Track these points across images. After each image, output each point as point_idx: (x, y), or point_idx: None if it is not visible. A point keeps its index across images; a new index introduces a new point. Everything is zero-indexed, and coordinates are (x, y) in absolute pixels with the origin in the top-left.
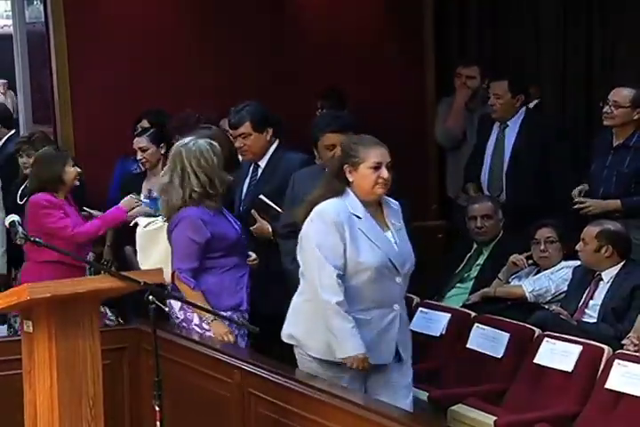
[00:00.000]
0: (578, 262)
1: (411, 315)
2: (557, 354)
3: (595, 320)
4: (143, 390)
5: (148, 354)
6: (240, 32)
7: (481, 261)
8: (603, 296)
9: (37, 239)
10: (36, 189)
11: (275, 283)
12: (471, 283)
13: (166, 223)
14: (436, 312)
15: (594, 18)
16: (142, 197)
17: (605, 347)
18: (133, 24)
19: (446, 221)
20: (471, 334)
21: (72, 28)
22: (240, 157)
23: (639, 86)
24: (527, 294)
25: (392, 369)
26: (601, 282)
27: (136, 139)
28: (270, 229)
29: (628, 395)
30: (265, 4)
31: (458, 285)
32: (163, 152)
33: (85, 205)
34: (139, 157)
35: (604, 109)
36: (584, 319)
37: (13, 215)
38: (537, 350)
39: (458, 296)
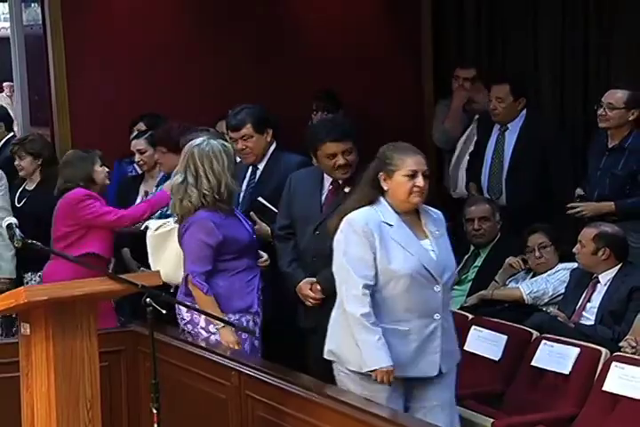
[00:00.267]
0: (575, 264)
1: None
2: (555, 356)
3: (592, 322)
4: (141, 392)
5: (146, 356)
6: (239, 33)
7: (478, 263)
8: (600, 298)
9: (34, 242)
10: (68, 188)
11: (272, 286)
12: (468, 285)
13: (176, 225)
14: None
15: (591, 20)
16: (139, 199)
17: (603, 349)
18: (131, 26)
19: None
20: (469, 337)
21: (69, 30)
22: (238, 159)
23: (632, 88)
24: (525, 297)
25: (434, 383)
26: (598, 284)
27: (134, 141)
28: (270, 231)
29: (626, 397)
30: (265, 4)
31: (455, 287)
32: None
33: None
34: (136, 159)
35: (599, 112)
36: (581, 322)
37: (11, 217)
38: (535, 353)
39: (455, 298)
